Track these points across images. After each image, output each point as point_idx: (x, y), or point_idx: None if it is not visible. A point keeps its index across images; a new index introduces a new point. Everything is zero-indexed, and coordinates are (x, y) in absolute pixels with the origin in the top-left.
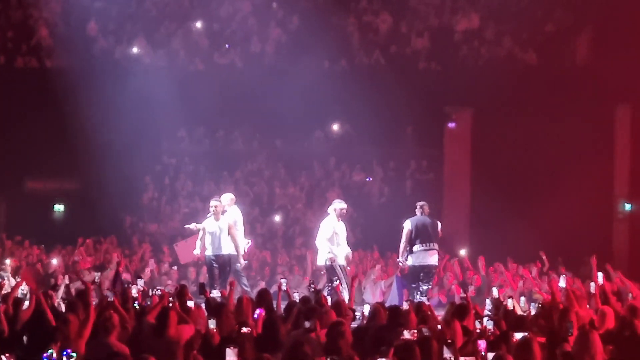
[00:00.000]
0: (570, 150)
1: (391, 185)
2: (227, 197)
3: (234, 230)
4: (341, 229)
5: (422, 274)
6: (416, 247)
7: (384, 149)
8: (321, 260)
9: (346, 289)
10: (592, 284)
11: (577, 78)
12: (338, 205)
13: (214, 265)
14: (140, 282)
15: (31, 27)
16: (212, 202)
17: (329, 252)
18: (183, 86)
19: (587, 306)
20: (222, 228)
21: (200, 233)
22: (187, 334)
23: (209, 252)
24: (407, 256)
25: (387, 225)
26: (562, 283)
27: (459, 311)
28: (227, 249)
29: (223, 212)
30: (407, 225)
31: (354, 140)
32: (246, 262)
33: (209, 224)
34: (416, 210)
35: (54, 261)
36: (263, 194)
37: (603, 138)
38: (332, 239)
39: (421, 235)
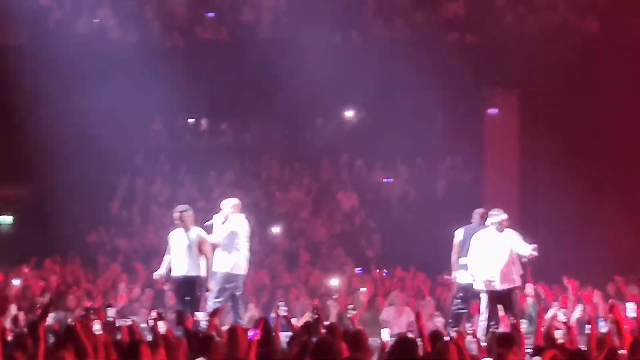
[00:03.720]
0: None
1: (419, 187)
2: (230, 203)
3: (206, 246)
4: (500, 243)
5: (474, 293)
6: (465, 261)
7: (409, 141)
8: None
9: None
10: None
11: None
12: (496, 217)
13: (182, 288)
14: (112, 312)
15: None
16: (179, 209)
17: (486, 276)
18: (158, 66)
19: None
20: (192, 242)
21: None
22: None
23: (174, 272)
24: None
25: (413, 236)
26: (631, 312)
27: (504, 341)
28: (197, 269)
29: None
30: (458, 235)
31: (371, 131)
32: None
33: (175, 236)
34: (473, 218)
35: (16, 282)
36: (259, 200)
37: None
38: (485, 258)
39: None
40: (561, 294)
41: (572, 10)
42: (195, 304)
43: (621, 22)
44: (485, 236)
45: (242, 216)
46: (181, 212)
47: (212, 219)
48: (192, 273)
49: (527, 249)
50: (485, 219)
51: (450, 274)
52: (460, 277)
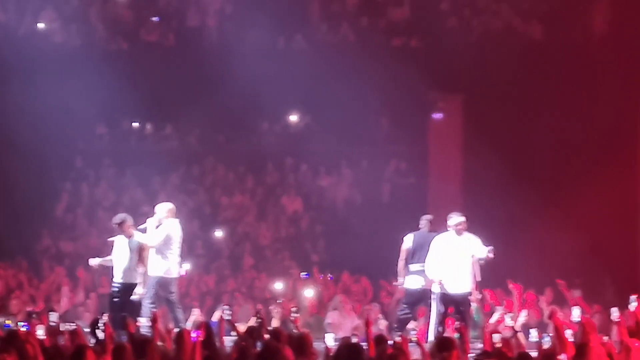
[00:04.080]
0: (586, 146)
1: (363, 192)
2: (165, 208)
3: (146, 252)
4: (459, 247)
5: (420, 300)
6: (414, 267)
7: (354, 145)
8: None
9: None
10: (614, 311)
11: (594, 55)
12: (453, 220)
13: (122, 294)
14: (54, 316)
15: None
16: (115, 221)
17: (443, 280)
18: (102, 69)
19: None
20: (133, 250)
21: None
22: None
23: (115, 278)
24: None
25: (358, 240)
26: (575, 316)
27: (445, 345)
28: (136, 276)
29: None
30: (407, 241)
31: (316, 135)
32: (144, 292)
33: (117, 242)
34: (420, 224)
35: None
36: (204, 204)
37: (627, 130)
38: (443, 262)
39: (421, 253)
40: (505, 299)
41: (517, 15)
42: (135, 310)
43: (565, 27)
44: (444, 240)
45: (177, 221)
46: (118, 224)
47: (145, 222)
48: (132, 280)
49: (484, 251)
50: (433, 224)
51: (396, 280)
52: (407, 282)
